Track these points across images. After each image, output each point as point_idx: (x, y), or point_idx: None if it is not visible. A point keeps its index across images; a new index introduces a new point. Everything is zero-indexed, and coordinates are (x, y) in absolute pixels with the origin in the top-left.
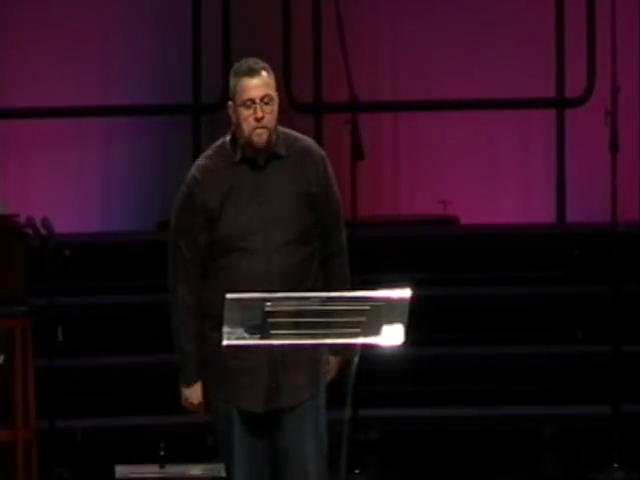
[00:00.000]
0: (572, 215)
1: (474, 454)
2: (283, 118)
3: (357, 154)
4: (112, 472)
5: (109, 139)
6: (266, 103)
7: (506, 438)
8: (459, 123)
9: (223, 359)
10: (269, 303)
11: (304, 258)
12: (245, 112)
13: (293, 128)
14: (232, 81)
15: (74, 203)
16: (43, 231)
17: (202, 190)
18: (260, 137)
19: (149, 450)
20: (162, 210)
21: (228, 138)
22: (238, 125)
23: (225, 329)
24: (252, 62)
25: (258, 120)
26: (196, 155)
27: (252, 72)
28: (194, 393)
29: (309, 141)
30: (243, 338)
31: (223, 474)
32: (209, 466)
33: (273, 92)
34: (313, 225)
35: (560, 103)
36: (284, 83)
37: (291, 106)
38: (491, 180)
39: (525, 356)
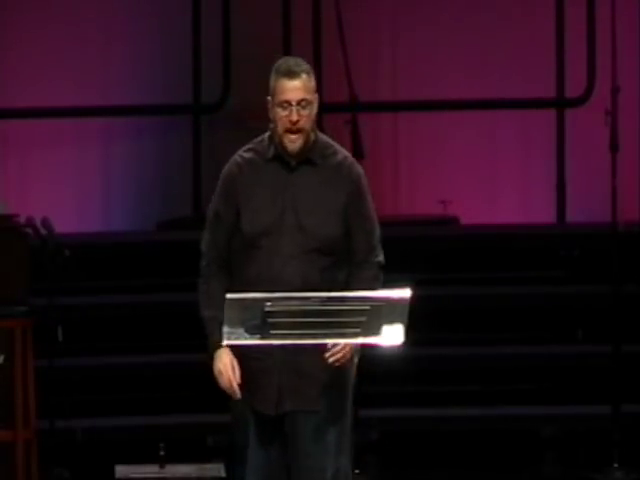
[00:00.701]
0: (572, 215)
1: (474, 454)
2: None
3: (357, 154)
4: (112, 472)
5: (109, 139)
6: (303, 107)
7: (506, 438)
8: (459, 123)
9: (244, 358)
10: (269, 303)
11: (323, 268)
12: (281, 113)
13: None
14: (272, 78)
15: (74, 203)
16: (43, 231)
17: (234, 181)
18: (293, 143)
19: (149, 450)
20: (162, 210)
21: (267, 135)
22: (274, 123)
23: (225, 329)
24: (293, 63)
25: (293, 123)
26: (196, 155)
27: (291, 74)
28: (218, 359)
29: (348, 157)
30: (243, 338)
31: (223, 474)
32: (209, 466)
33: (311, 96)
34: (339, 238)
35: (560, 103)
36: None
37: None
38: (491, 180)
39: (525, 356)
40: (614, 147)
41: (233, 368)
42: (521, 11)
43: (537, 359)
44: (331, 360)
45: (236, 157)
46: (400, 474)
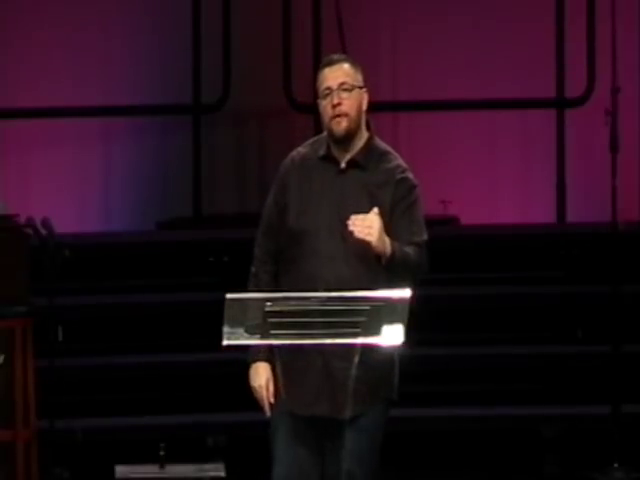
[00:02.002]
0: (572, 215)
1: (474, 454)
2: (283, 118)
3: None
4: (112, 472)
5: (109, 139)
6: (344, 89)
7: (506, 438)
8: (459, 123)
9: (284, 354)
10: (269, 303)
11: (360, 274)
12: (323, 102)
13: (293, 128)
14: (317, 77)
15: (74, 203)
16: (43, 231)
17: (286, 177)
18: (339, 125)
19: (149, 450)
20: (162, 210)
21: (325, 133)
22: (322, 120)
23: (225, 329)
24: (336, 55)
25: (334, 107)
26: (196, 155)
27: (332, 62)
28: (255, 374)
29: (402, 166)
30: (244, 338)
31: (223, 474)
32: (209, 466)
33: (354, 81)
34: None
35: (560, 103)
36: (284, 83)
37: (291, 106)
38: (491, 180)
39: (525, 356)
40: (614, 147)
41: (268, 388)
42: (521, 11)
43: (537, 359)
44: (354, 229)
45: (294, 152)
46: (400, 474)
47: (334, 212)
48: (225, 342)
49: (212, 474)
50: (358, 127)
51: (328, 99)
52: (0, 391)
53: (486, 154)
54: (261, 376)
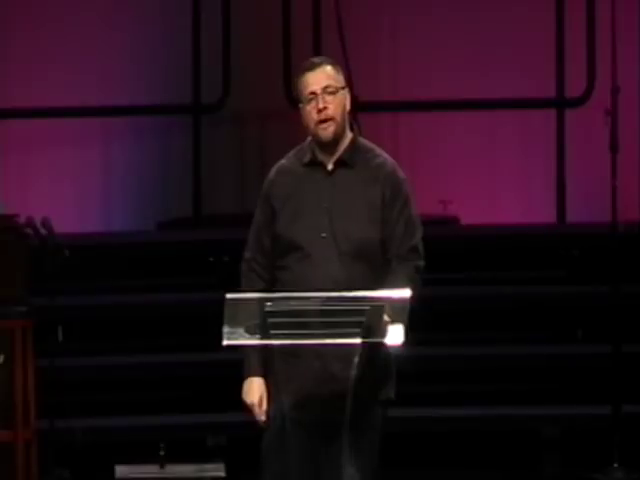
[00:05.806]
0: (572, 215)
1: (474, 454)
2: (283, 118)
3: None
4: (112, 472)
5: (109, 139)
6: (329, 93)
7: (506, 438)
8: (459, 123)
9: (280, 360)
10: (269, 303)
11: (358, 273)
12: (308, 107)
13: (293, 128)
14: (297, 82)
15: (74, 203)
16: (43, 231)
17: (272, 189)
18: (325, 130)
19: (149, 450)
20: (162, 210)
21: (308, 140)
22: (307, 125)
23: (225, 329)
24: (316, 58)
25: (320, 111)
26: (196, 155)
27: (313, 66)
28: (248, 388)
29: (389, 160)
30: (244, 338)
31: (223, 474)
32: (209, 466)
33: (338, 84)
34: (375, 242)
35: (560, 103)
36: (284, 83)
37: (291, 106)
38: (491, 180)
39: (525, 356)
40: (614, 147)
41: (261, 405)
42: (521, 11)
43: (537, 359)
44: None
45: (276, 165)
46: (400, 474)
47: (325, 213)
48: (225, 342)
49: (212, 474)
50: (344, 129)
51: (312, 103)
52: (0, 391)
53: (486, 154)
54: (255, 393)
